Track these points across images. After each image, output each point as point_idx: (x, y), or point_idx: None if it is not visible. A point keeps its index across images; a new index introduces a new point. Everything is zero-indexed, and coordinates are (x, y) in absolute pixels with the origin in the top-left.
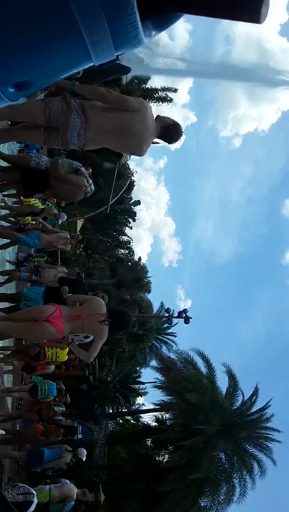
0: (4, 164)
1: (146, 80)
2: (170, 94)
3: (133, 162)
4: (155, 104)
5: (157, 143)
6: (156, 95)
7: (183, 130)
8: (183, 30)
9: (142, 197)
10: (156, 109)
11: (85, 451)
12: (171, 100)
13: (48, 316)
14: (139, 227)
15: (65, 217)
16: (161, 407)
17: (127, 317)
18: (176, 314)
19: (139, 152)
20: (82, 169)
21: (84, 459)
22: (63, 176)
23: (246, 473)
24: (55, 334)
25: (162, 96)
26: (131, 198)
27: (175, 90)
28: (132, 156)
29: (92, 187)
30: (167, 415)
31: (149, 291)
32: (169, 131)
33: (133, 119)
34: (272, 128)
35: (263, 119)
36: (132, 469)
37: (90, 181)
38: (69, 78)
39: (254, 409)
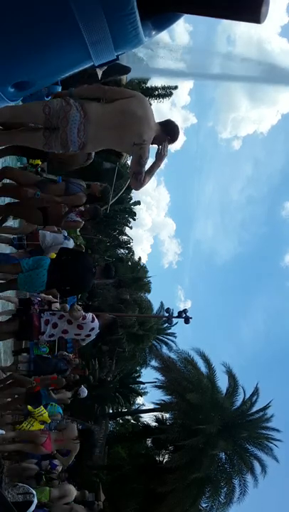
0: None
1: (146, 79)
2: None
3: None
4: (156, 101)
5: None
6: (156, 93)
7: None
8: (183, 30)
9: (142, 197)
10: (157, 106)
11: (85, 390)
12: (171, 94)
13: (42, 442)
14: (140, 227)
15: (66, 233)
16: (161, 407)
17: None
18: (176, 314)
19: (140, 141)
20: None
21: (84, 395)
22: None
23: (246, 473)
24: (45, 453)
25: (162, 93)
26: (131, 198)
27: (175, 87)
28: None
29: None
30: (167, 415)
31: (149, 291)
32: (169, 124)
33: (131, 102)
34: (272, 130)
35: (262, 121)
36: (132, 469)
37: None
38: (69, 78)
39: (254, 409)
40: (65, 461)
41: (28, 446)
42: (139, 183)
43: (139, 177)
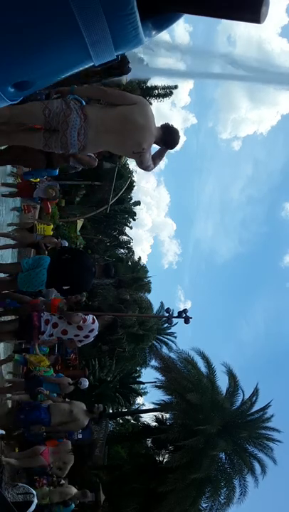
0: None
1: (146, 79)
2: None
3: (133, 162)
4: (156, 101)
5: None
6: (156, 93)
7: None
8: (183, 30)
9: (142, 197)
10: (157, 106)
11: (86, 381)
12: (171, 94)
13: (42, 451)
14: (139, 228)
15: (66, 243)
16: (161, 407)
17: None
18: (176, 314)
19: (139, 149)
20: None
21: (86, 385)
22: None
23: (247, 473)
24: (43, 462)
25: (162, 93)
26: (131, 198)
27: (175, 87)
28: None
29: None
30: (167, 415)
31: (149, 291)
32: (168, 131)
33: (133, 110)
34: (272, 131)
35: (262, 122)
36: (132, 469)
37: None
38: (70, 77)
39: (254, 409)
40: (61, 474)
41: (28, 460)
42: (150, 170)
43: (149, 169)
